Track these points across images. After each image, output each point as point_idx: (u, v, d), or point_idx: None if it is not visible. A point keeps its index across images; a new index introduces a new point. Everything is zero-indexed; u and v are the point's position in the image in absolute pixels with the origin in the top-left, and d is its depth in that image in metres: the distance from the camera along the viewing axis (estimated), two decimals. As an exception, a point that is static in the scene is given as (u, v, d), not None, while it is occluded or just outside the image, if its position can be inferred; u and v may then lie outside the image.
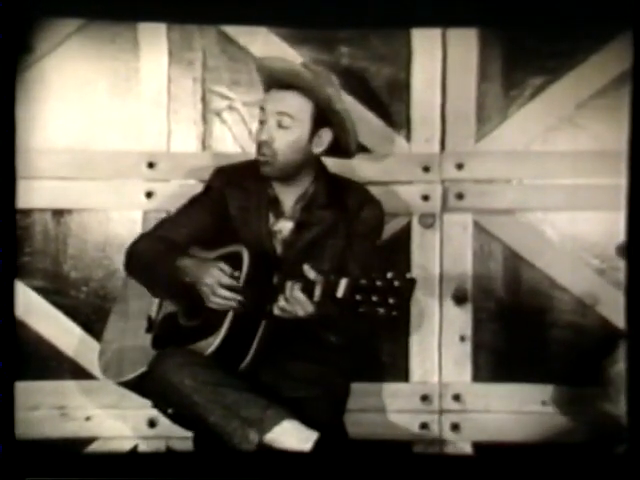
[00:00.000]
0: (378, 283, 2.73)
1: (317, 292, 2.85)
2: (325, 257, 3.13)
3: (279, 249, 3.16)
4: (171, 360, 2.98)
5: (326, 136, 3.13)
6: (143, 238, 3.23)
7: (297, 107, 3.09)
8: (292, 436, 2.93)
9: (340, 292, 2.80)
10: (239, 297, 3.00)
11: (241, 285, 3.01)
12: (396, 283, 2.73)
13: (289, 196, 3.18)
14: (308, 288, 2.86)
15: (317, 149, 3.14)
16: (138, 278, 3.20)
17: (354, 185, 3.26)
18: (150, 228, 3.27)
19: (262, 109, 3.12)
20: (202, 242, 3.18)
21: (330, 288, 2.82)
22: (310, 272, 2.87)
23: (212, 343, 3.00)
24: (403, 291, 2.73)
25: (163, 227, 3.24)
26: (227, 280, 3.01)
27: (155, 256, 3.13)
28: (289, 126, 3.09)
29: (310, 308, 2.87)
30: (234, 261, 3.05)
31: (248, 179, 3.20)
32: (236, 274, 3.03)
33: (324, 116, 3.11)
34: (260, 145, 3.10)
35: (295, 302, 2.87)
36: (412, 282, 2.75)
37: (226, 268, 3.02)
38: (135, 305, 3.22)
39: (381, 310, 2.73)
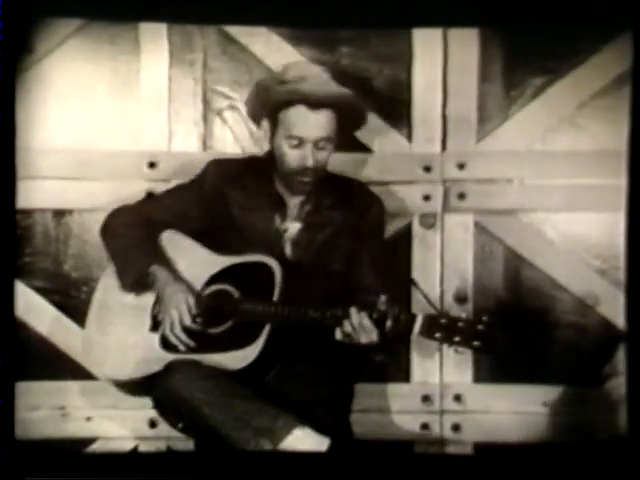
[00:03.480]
0: (460, 325, 2.75)
1: (389, 324, 2.86)
2: (335, 258, 3.14)
3: (288, 249, 3.17)
4: (180, 375, 2.97)
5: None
6: (122, 212, 3.24)
7: (332, 127, 3.10)
8: (305, 444, 2.93)
9: (417, 329, 2.83)
10: (192, 344, 3.03)
11: (275, 300, 3.02)
12: (479, 327, 2.76)
13: (295, 198, 3.19)
14: (375, 317, 2.87)
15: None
16: (111, 258, 3.21)
17: (355, 183, 3.28)
18: (133, 203, 3.27)
19: (297, 138, 3.06)
20: (189, 232, 3.20)
21: (405, 322, 2.84)
22: (382, 304, 2.87)
23: (246, 357, 2.98)
24: (489, 334, 2.77)
25: (146, 205, 3.26)
26: (188, 320, 3.04)
27: (131, 245, 3.15)
28: (325, 147, 3.10)
29: (376, 338, 2.88)
30: (254, 271, 3.07)
31: (249, 177, 3.20)
32: (198, 320, 3.05)
33: (343, 126, 3.14)
34: (303, 171, 3.08)
35: (362, 330, 2.87)
36: (494, 327, 2.79)
37: (192, 306, 3.05)
38: (129, 299, 3.19)
39: (463, 350, 2.78)
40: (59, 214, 3.47)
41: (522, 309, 3.45)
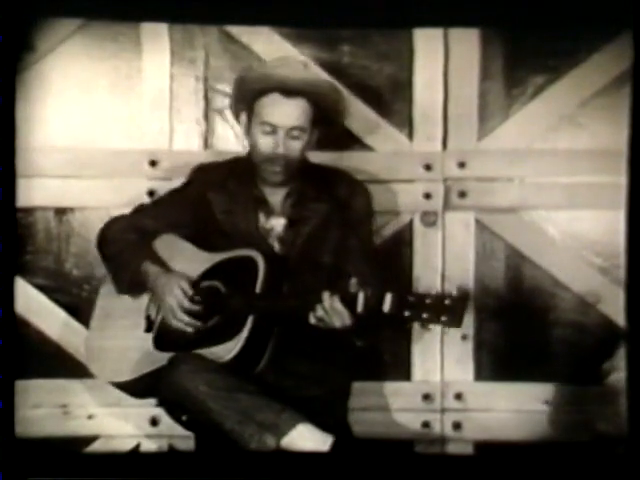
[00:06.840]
0: (427, 301, 2.75)
1: (360, 305, 2.86)
2: (324, 250, 3.14)
3: (276, 247, 3.16)
4: (185, 366, 2.97)
5: (316, 133, 3.15)
6: (117, 221, 3.26)
7: (306, 117, 3.09)
8: (308, 440, 2.93)
9: (386, 307, 2.82)
10: (198, 323, 3.04)
11: (258, 292, 3.02)
12: (447, 302, 2.76)
13: (276, 195, 3.18)
14: (347, 299, 2.87)
15: (310, 147, 3.15)
16: (106, 264, 3.23)
17: (339, 173, 3.27)
18: (126, 213, 3.29)
19: (270, 124, 3.07)
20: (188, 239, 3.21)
21: (374, 302, 2.83)
22: (353, 285, 2.87)
23: (231, 349, 2.99)
24: (456, 308, 2.75)
25: (138, 214, 3.27)
26: (187, 304, 3.05)
27: (124, 248, 3.16)
28: (299, 136, 3.09)
29: (349, 321, 2.88)
30: (240, 266, 3.08)
31: (231, 180, 3.21)
32: (196, 298, 3.06)
33: (321, 117, 3.12)
34: (274, 158, 3.08)
35: (334, 313, 2.87)
36: (464, 299, 2.78)
37: (187, 289, 3.07)
38: (127, 302, 3.20)
39: (432, 326, 2.78)
40: (60, 212, 3.47)
41: (523, 307, 3.45)
